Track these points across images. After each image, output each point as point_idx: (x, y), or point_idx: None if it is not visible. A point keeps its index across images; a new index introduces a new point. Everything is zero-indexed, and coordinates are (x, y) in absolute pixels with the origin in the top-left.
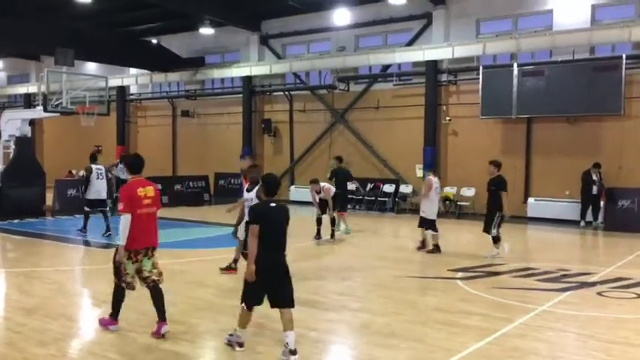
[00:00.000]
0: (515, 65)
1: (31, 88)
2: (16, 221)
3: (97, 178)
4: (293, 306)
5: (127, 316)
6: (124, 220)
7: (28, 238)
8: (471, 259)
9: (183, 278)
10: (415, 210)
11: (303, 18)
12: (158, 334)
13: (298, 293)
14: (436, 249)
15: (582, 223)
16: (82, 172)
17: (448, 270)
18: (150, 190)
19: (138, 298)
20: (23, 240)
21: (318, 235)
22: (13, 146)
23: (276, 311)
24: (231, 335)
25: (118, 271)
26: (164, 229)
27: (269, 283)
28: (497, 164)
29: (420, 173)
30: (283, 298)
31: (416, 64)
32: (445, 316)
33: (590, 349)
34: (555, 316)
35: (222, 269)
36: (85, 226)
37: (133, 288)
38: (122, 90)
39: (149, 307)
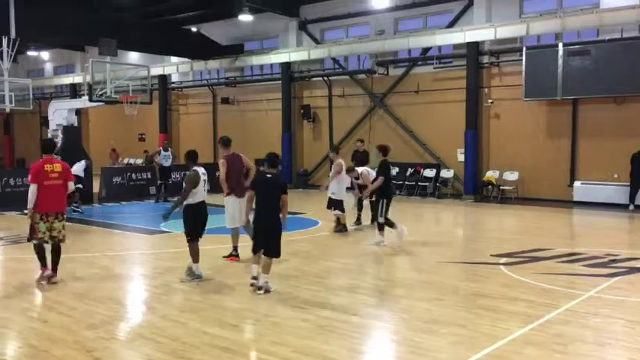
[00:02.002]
0: (560, 45)
1: (77, 79)
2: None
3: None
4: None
5: (172, 300)
6: (31, 189)
7: (76, 224)
8: (514, 244)
9: (227, 264)
10: (457, 195)
11: (341, 2)
12: (41, 277)
13: (339, 279)
14: (343, 228)
15: (631, 207)
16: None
17: (491, 255)
18: (57, 167)
19: (182, 283)
20: (72, 226)
21: (358, 221)
22: (61, 135)
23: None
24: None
25: (33, 230)
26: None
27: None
28: (381, 149)
29: (461, 157)
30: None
31: (457, 46)
32: (488, 302)
33: (638, 336)
34: (603, 302)
35: (225, 257)
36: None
37: (46, 242)
38: (164, 78)
39: (195, 294)
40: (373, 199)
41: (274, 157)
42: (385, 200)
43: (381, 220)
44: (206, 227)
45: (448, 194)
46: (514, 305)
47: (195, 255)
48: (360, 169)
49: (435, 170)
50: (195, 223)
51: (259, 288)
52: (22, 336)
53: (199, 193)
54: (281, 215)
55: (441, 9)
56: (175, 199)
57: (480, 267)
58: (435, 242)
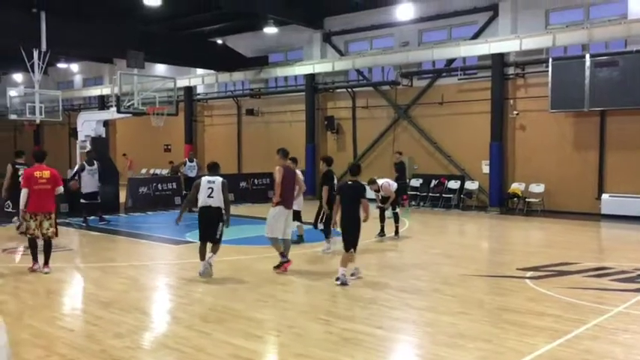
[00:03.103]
0: (587, 56)
1: (105, 90)
2: (91, 218)
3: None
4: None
5: (197, 310)
6: (22, 192)
7: (103, 234)
8: (540, 257)
9: (251, 274)
10: (482, 207)
11: (365, 14)
12: (31, 270)
13: (362, 291)
14: (300, 239)
15: None
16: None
17: (517, 269)
18: (46, 174)
19: (207, 294)
20: (99, 236)
21: (381, 232)
22: (89, 146)
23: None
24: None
25: (26, 226)
26: (231, 225)
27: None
28: (325, 160)
29: (486, 169)
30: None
31: (481, 57)
32: (514, 316)
33: None
34: (632, 317)
35: (275, 268)
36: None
37: (38, 237)
38: (189, 90)
39: (218, 303)
40: (397, 210)
41: (356, 167)
42: (324, 208)
43: (320, 226)
44: (217, 232)
45: (473, 206)
46: (541, 320)
47: (200, 254)
48: (380, 181)
49: (459, 182)
50: (199, 225)
51: (352, 274)
52: (51, 344)
53: (201, 200)
54: (362, 215)
55: (465, 20)
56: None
57: (505, 280)
58: (459, 255)
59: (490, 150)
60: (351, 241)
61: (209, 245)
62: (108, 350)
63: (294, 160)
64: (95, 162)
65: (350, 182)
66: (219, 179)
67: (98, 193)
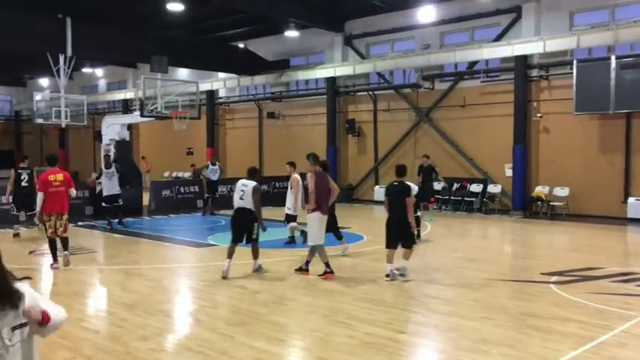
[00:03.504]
0: (613, 58)
1: (129, 94)
2: (115, 220)
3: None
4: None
5: (220, 313)
6: (39, 196)
7: (127, 236)
8: (565, 262)
9: (273, 278)
10: (505, 210)
11: (387, 17)
12: (52, 266)
13: (384, 295)
14: (292, 240)
15: None
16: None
17: (541, 273)
18: (59, 177)
19: (229, 297)
20: (123, 238)
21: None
22: (113, 149)
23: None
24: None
25: (47, 228)
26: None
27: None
28: (321, 164)
29: (509, 172)
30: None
31: (504, 59)
32: (538, 322)
33: None
34: None
35: (319, 275)
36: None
37: (56, 236)
38: (211, 94)
39: (240, 306)
40: (419, 214)
41: (402, 168)
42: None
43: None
44: (253, 232)
45: (495, 210)
46: (566, 326)
47: (228, 253)
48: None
49: (481, 185)
50: (231, 226)
51: (400, 274)
52: (77, 346)
53: (235, 201)
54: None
55: (488, 22)
56: (221, 211)
57: (529, 285)
58: (482, 259)
59: (513, 153)
60: (406, 238)
61: (235, 252)
62: (132, 352)
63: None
64: (113, 165)
65: (396, 183)
66: (252, 183)
67: (119, 195)
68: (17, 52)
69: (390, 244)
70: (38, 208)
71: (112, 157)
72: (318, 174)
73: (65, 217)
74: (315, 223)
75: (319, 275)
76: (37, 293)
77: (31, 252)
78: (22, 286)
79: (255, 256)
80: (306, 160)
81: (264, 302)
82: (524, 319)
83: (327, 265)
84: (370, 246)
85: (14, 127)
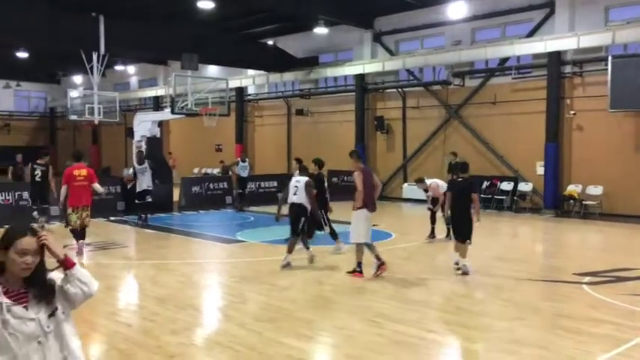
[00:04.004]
0: None
1: (159, 91)
2: (143, 216)
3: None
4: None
5: (249, 309)
6: (63, 189)
7: (158, 232)
8: (598, 262)
9: (302, 274)
10: (536, 209)
11: (416, 13)
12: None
13: (413, 293)
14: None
15: None
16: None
17: (573, 274)
18: (83, 172)
19: (258, 293)
20: (154, 234)
21: (432, 234)
22: (144, 146)
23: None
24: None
25: (68, 219)
26: (282, 225)
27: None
28: (317, 163)
29: (541, 170)
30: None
31: (536, 56)
32: (571, 323)
33: None
34: None
35: (348, 273)
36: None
37: (78, 227)
38: (240, 91)
39: (268, 302)
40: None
41: (465, 165)
42: (323, 211)
43: (327, 229)
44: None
45: (526, 208)
46: (599, 327)
47: (289, 246)
48: (429, 182)
49: (512, 183)
50: (289, 220)
51: (458, 269)
52: (110, 339)
53: (289, 197)
54: (473, 209)
55: (520, 18)
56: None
57: (561, 286)
58: (513, 258)
59: (545, 151)
60: (464, 232)
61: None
62: (164, 346)
63: (302, 164)
64: (145, 161)
65: (460, 179)
66: (304, 179)
67: (149, 192)
68: (52, 50)
69: (455, 237)
70: (62, 200)
71: (144, 154)
72: (365, 171)
73: (89, 208)
74: (360, 220)
75: (347, 272)
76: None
77: (65, 246)
78: (54, 275)
79: (290, 250)
80: (336, 157)
81: (292, 299)
82: (555, 320)
83: (359, 264)
84: (399, 244)
85: (49, 123)
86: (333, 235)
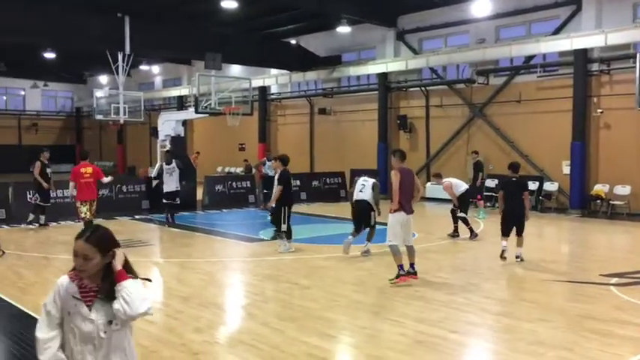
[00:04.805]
0: None
1: (183, 91)
2: (168, 215)
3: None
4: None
5: (271, 308)
6: (71, 185)
7: (182, 230)
8: (626, 263)
9: (324, 273)
10: (562, 209)
11: (440, 11)
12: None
13: (436, 293)
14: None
15: None
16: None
17: (600, 275)
18: (89, 170)
19: (281, 291)
20: (178, 232)
21: (455, 232)
22: (169, 145)
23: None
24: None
25: (79, 211)
26: (304, 224)
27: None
28: (281, 159)
29: (567, 170)
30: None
31: (562, 53)
32: (597, 325)
33: None
34: None
35: (391, 280)
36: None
37: (87, 219)
38: (263, 90)
39: (291, 301)
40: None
41: (516, 165)
42: (286, 208)
43: (284, 227)
44: (371, 220)
45: (552, 208)
46: (626, 329)
47: (368, 237)
48: (444, 180)
49: (537, 183)
50: (352, 216)
51: (517, 257)
52: (134, 336)
53: (355, 194)
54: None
55: (546, 15)
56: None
57: (588, 287)
58: (538, 259)
59: (571, 150)
60: (522, 227)
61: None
62: (188, 344)
63: (283, 160)
64: (174, 161)
65: (514, 179)
66: (372, 180)
67: (178, 192)
68: (78, 50)
69: (506, 232)
70: (71, 194)
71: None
72: (403, 171)
73: (95, 202)
74: (397, 223)
75: (390, 280)
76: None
77: None
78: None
79: (369, 239)
80: (358, 156)
81: (314, 298)
82: (582, 322)
83: (400, 267)
84: (422, 243)
85: (75, 122)
86: (289, 234)
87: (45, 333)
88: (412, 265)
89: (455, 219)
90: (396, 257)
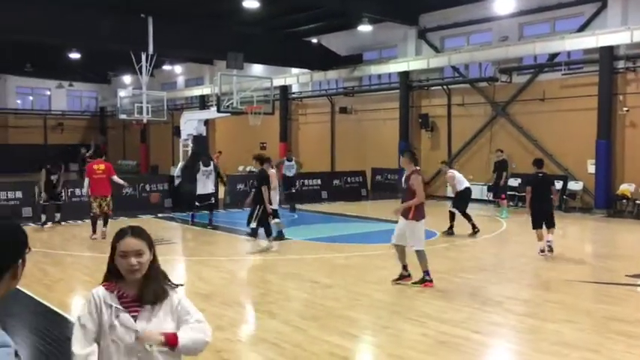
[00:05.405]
0: None
1: (205, 90)
2: (193, 213)
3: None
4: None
5: (294, 306)
6: (85, 181)
7: (204, 228)
8: None
9: (345, 272)
10: (586, 209)
11: (463, 9)
12: (91, 237)
13: (458, 294)
14: (280, 235)
15: None
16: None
17: (627, 276)
18: (101, 167)
19: (302, 290)
20: (200, 231)
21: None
22: (191, 144)
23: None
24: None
25: (90, 206)
26: (325, 223)
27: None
28: (259, 159)
29: (592, 169)
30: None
31: (587, 51)
32: (623, 326)
33: None
34: None
35: (394, 281)
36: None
37: (98, 215)
38: (285, 89)
39: (313, 300)
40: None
41: (541, 160)
42: (261, 208)
43: (253, 224)
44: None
45: (576, 208)
46: None
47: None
48: (449, 170)
49: (561, 182)
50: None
51: (550, 249)
52: None
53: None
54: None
55: (570, 12)
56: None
57: (613, 288)
58: (563, 259)
59: (596, 148)
60: (552, 220)
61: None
62: (210, 342)
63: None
64: (211, 162)
65: (540, 174)
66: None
67: (212, 195)
68: (103, 50)
69: (537, 225)
70: (85, 191)
71: (189, 152)
72: (421, 174)
73: (109, 198)
74: (421, 230)
75: (414, 283)
76: (189, 304)
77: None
78: (174, 294)
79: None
80: (379, 155)
81: (336, 297)
82: (607, 323)
83: (427, 273)
84: (443, 243)
85: (99, 122)
86: (254, 232)
87: (81, 348)
88: (427, 272)
89: (451, 216)
90: (422, 263)
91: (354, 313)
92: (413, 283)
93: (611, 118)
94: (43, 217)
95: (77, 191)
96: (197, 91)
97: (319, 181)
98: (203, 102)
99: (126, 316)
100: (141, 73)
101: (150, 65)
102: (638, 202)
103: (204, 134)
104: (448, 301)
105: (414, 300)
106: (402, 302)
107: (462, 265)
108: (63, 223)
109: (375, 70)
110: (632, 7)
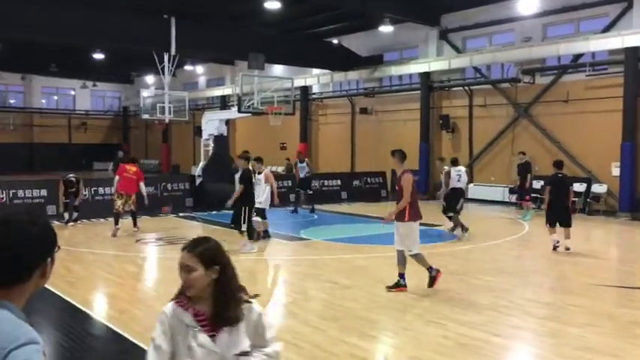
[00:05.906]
0: None
1: (226, 91)
2: (214, 212)
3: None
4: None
5: (312, 306)
6: (116, 179)
7: (223, 228)
8: None
9: (365, 273)
10: (611, 212)
11: (485, 9)
12: (113, 234)
13: (479, 296)
14: (265, 234)
15: None
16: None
17: None
18: (132, 169)
19: (322, 291)
20: (220, 230)
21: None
22: (212, 144)
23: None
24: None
25: (114, 203)
26: (345, 223)
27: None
28: (244, 158)
29: (616, 172)
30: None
31: (613, 51)
32: None
33: None
34: None
35: (389, 288)
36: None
37: (121, 212)
38: (305, 90)
39: (332, 300)
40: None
41: (561, 162)
42: (247, 208)
43: (244, 227)
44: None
45: (600, 211)
46: None
47: (453, 221)
48: (445, 167)
49: (585, 185)
50: (451, 201)
51: (567, 248)
52: None
53: (453, 184)
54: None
55: (595, 13)
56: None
57: (637, 292)
58: (586, 263)
59: (621, 151)
60: (569, 220)
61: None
62: None
63: (260, 160)
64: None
65: (560, 175)
66: (464, 168)
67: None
68: (126, 51)
69: (549, 221)
70: (114, 187)
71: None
72: (412, 174)
73: (133, 197)
74: (415, 231)
75: (387, 287)
76: (267, 321)
77: (137, 240)
78: (253, 307)
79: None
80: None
81: (355, 298)
82: (631, 328)
83: (430, 269)
84: (463, 245)
85: (122, 122)
86: (250, 234)
87: None
88: (403, 275)
89: (452, 218)
90: (423, 263)
91: (374, 314)
92: (390, 286)
93: (636, 120)
94: (66, 215)
95: (100, 190)
96: (218, 92)
97: (339, 182)
98: (224, 102)
99: (204, 337)
100: (163, 74)
101: (172, 65)
102: None
103: (225, 134)
104: (468, 304)
105: (434, 302)
106: (422, 304)
107: (483, 267)
108: (84, 221)
109: (395, 70)
110: None
